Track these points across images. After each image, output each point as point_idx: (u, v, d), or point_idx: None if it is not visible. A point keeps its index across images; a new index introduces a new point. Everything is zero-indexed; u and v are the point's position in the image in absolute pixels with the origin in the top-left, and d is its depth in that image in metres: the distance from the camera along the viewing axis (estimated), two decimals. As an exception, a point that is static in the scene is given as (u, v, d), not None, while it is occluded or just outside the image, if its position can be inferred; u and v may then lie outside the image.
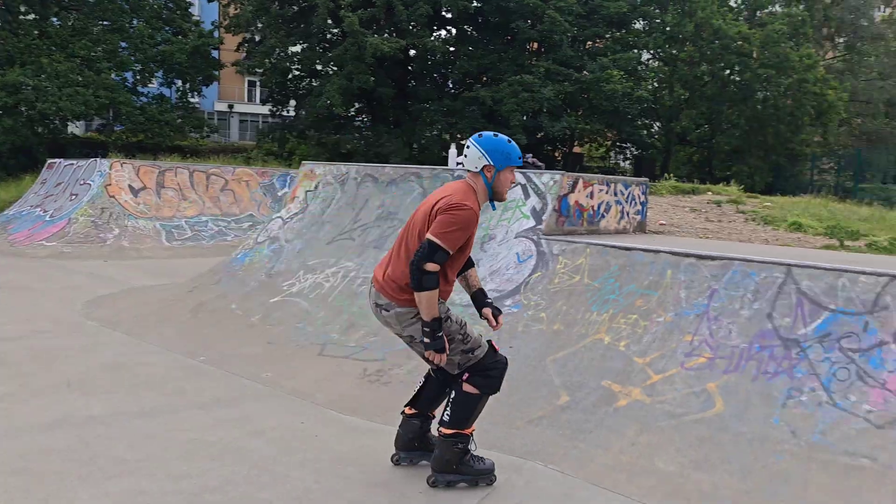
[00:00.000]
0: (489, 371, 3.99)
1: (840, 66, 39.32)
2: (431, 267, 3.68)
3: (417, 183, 8.01)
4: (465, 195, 3.86)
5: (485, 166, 3.95)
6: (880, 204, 16.28)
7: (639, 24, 37.23)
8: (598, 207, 7.37)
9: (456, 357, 3.93)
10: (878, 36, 38.28)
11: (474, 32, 36.27)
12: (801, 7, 35.79)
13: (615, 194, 7.59)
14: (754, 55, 33.26)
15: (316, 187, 9.15)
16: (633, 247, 6.09)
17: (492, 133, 4.09)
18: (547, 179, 6.98)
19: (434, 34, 34.93)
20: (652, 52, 37.81)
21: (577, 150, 43.16)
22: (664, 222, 9.51)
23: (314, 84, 34.13)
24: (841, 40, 40.02)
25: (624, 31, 35.95)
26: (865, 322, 4.70)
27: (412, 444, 4.26)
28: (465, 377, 3.96)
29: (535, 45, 36.02)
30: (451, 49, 35.29)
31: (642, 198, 8.08)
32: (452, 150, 9.40)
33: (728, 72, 35.57)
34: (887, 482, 3.91)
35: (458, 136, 35.26)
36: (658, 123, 39.37)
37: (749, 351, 4.97)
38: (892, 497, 3.81)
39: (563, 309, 6.00)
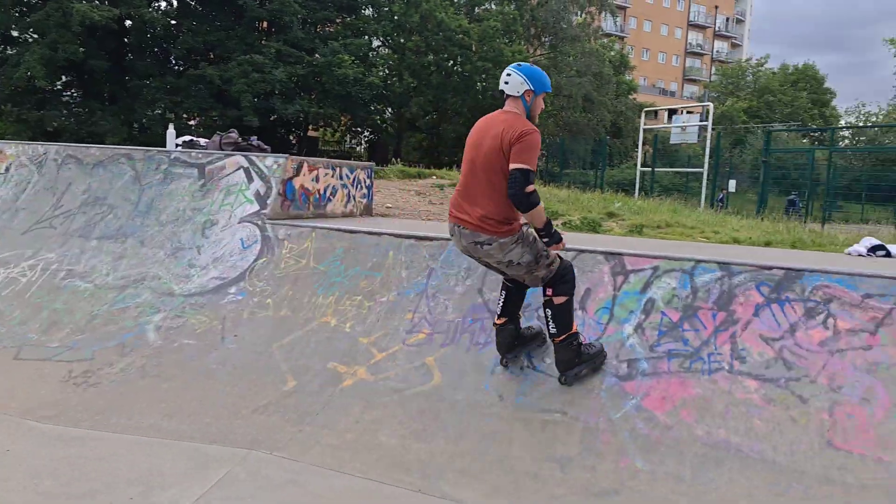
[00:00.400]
0: (565, 276, 4.58)
1: (546, 63, 43.60)
2: (531, 188, 4.19)
3: (129, 165, 7.39)
4: (524, 121, 4.33)
5: (525, 91, 4.37)
6: (577, 187, 18.42)
7: (368, 11, 37.95)
8: (325, 191, 7.40)
9: (542, 272, 4.53)
10: (575, 38, 43.11)
11: (198, 6, 34.35)
12: (513, 7, 39.04)
13: (341, 178, 7.69)
14: (473, 48, 35.61)
15: (7, 170, 8.04)
16: (357, 229, 6.22)
17: (528, 62, 4.52)
18: (270, 163, 6.85)
19: (153, 4, 32.42)
20: (382, 39, 38.81)
21: (312, 133, 43.00)
22: (390, 205, 9.85)
23: (10, 52, 29.91)
24: (546, 39, 44.43)
25: (354, 16, 36.43)
26: (558, 292, 5.28)
27: (513, 345, 4.85)
28: (549, 293, 4.54)
29: (265, 24, 35.09)
30: (174, 22, 33.05)
31: (368, 181, 8.27)
32: (171, 131, 8.82)
33: (452, 63, 37.73)
34: (574, 431, 4.45)
35: (185, 115, 33.28)
36: (390, 109, 40.58)
37: (463, 324, 5.34)
38: (578, 444, 4.35)
39: (290, 294, 5.96)
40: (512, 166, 4.18)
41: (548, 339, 4.84)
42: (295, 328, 5.66)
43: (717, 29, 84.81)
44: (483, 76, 36.06)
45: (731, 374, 4.54)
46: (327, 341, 5.48)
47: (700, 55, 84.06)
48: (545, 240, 4.45)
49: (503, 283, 4.82)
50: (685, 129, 24.94)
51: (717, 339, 4.72)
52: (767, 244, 7.91)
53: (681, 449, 4.23)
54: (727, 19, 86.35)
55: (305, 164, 7.14)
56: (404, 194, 11.16)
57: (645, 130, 26.36)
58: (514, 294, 4.78)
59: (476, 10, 40.01)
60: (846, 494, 3.79)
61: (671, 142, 26.57)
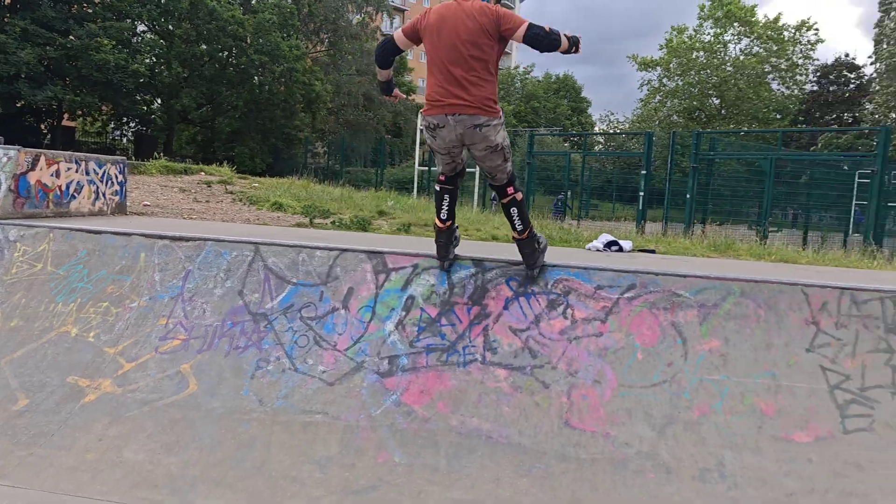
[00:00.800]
0: (514, 174, 4.96)
1: (326, 60, 43.43)
2: (547, 27, 4.54)
3: None
4: (486, 3, 4.59)
5: None
6: (359, 185, 18.54)
7: (132, -7, 35.19)
8: (67, 188, 6.71)
9: (509, 163, 4.86)
10: (354, 36, 43.33)
11: (-79, -28, 29.75)
12: (289, 0, 38.34)
13: (87, 173, 7.01)
14: (248, 41, 34.48)
15: None
16: (102, 230, 5.72)
17: None
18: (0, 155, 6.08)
19: None
20: (147, 24, 36.20)
21: (68, 123, 39.08)
22: (148, 203, 9.19)
23: None
24: (325, 36, 44.19)
25: (115, -3, 33.62)
26: (321, 292, 5.25)
27: (448, 246, 5.07)
28: (510, 191, 4.89)
29: (9, 0, 31.26)
30: None
31: (121, 177, 7.64)
32: None
33: (226, 54, 36.22)
34: (336, 431, 4.45)
35: None
36: (159, 100, 38.06)
37: (222, 328, 5.12)
38: (339, 443, 4.36)
39: (23, 302, 5.33)
40: (521, 31, 4.52)
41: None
42: (28, 340, 5.08)
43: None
44: (260, 70, 34.97)
45: (484, 365, 4.80)
46: (67, 353, 4.98)
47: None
48: (574, 50, 4.72)
49: (442, 186, 4.99)
50: (458, 130, 25.93)
51: (471, 333, 4.96)
52: (522, 241, 8.45)
53: (437, 440, 4.39)
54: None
55: (43, 158, 6.43)
56: (166, 191, 10.46)
57: (422, 130, 27.10)
58: (454, 199, 5.04)
59: (252, 1, 38.73)
60: (579, 469, 4.16)
61: (446, 142, 27.51)
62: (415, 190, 24.20)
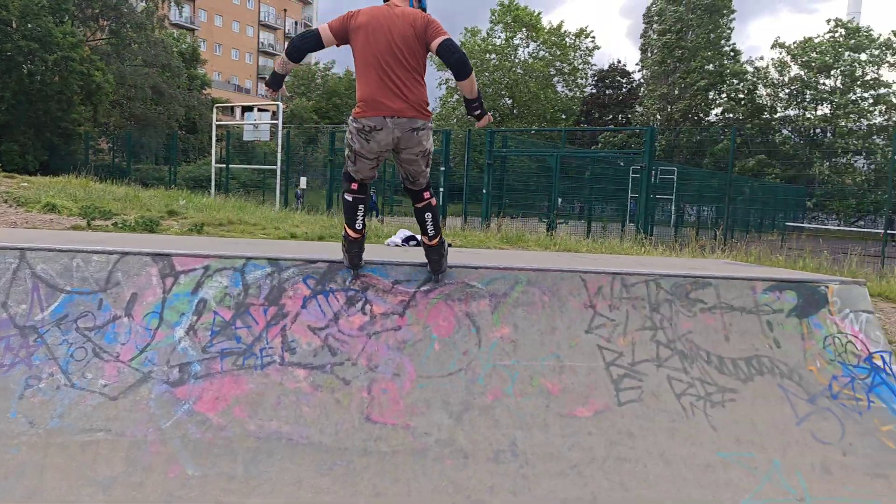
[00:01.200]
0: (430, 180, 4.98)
1: (108, 49, 40.13)
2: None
3: None
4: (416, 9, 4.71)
5: None
6: (142, 184, 17.35)
7: None
8: None
9: (428, 170, 4.87)
10: (140, 25, 40.45)
11: None
12: (63, -18, 34.98)
13: None
14: (14, 25, 31.04)
15: None
16: None
17: None
18: None
19: None
20: None
21: None
22: None
23: None
24: (106, 23, 40.80)
25: None
26: (100, 300, 4.84)
27: (362, 254, 5.00)
28: (427, 195, 4.91)
29: None
30: None
31: None
32: None
33: (-12, 39, 32.29)
34: (120, 448, 4.13)
35: None
36: None
37: (-20, 346, 4.57)
38: (124, 461, 4.06)
39: None
40: (438, 40, 4.53)
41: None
42: None
43: (286, 31, 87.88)
44: (29, 58, 31.52)
45: (283, 366, 4.69)
46: None
47: (273, 55, 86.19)
48: (478, 112, 4.83)
49: (355, 196, 4.87)
50: (258, 126, 25.31)
51: (268, 334, 4.83)
52: (321, 238, 8.42)
53: (233, 447, 4.23)
54: (296, 23, 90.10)
55: None
56: (-89, 194, 9.13)
57: (219, 126, 26.03)
58: (367, 204, 5.00)
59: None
60: (381, 462, 4.21)
61: (245, 139, 26.73)
62: (212, 188, 23.15)
